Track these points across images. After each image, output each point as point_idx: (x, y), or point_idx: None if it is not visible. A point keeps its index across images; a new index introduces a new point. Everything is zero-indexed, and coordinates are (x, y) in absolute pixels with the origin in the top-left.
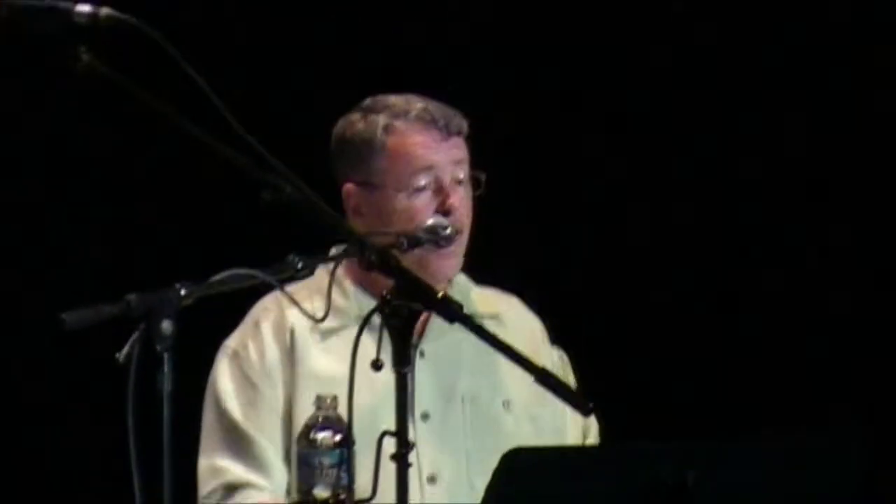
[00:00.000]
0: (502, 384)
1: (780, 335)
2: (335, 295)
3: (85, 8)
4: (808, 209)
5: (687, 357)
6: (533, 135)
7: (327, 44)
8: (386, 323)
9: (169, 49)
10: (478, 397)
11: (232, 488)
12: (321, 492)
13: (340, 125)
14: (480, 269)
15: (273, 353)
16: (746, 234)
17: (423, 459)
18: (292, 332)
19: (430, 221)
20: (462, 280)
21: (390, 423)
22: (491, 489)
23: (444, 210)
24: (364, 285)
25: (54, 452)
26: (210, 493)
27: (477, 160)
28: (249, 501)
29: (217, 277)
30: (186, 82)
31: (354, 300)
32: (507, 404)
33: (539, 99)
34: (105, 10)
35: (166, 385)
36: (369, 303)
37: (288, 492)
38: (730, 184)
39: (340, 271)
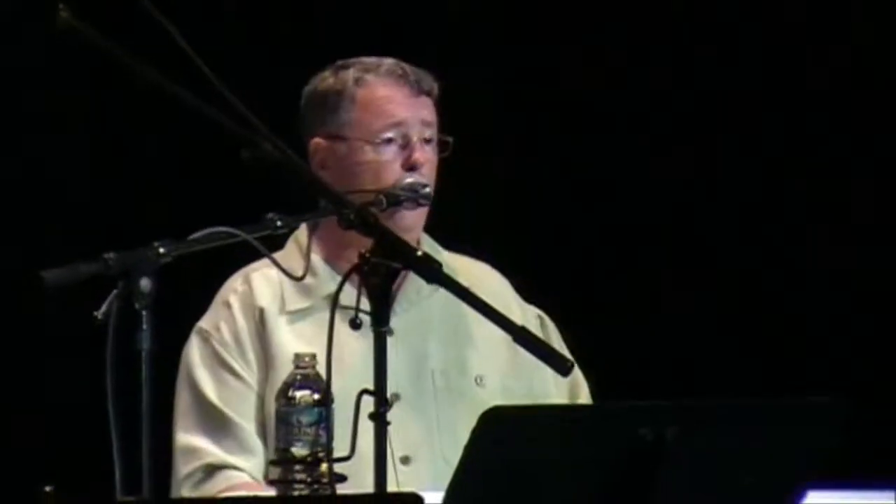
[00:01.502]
0: (475, 359)
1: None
2: (299, 266)
3: None
4: (789, 185)
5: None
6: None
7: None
8: (366, 282)
9: (152, 10)
10: (448, 372)
11: (212, 469)
12: (300, 450)
13: (311, 83)
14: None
15: (244, 332)
16: (726, 202)
17: (395, 441)
18: (261, 312)
19: (408, 179)
20: (429, 242)
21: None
22: (469, 448)
23: (409, 165)
24: (333, 262)
25: (33, 413)
26: (189, 474)
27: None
28: (231, 483)
29: (196, 235)
30: (169, 45)
31: (323, 278)
32: (479, 380)
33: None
34: None
35: (145, 343)
36: (337, 277)
37: (266, 473)
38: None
39: (313, 252)
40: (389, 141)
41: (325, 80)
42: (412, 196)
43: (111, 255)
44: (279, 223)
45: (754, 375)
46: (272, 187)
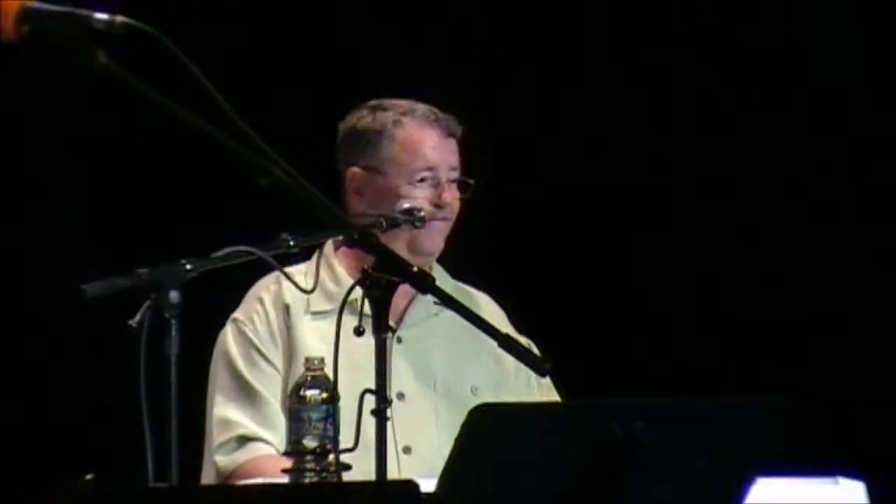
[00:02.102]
0: (470, 371)
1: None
2: (329, 281)
3: (103, 15)
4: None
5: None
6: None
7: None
8: (367, 293)
9: (177, 52)
10: (448, 381)
11: (244, 440)
12: (309, 442)
13: (349, 119)
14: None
15: (274, 324)
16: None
17: (398, 433)
18: (288, 308)
19: (405, 205)
20: (439, 270)
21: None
22: (459, 441)
23: (438, 203)
24: (354, 273)
25: (75, 410)
26: (224, 443)
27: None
28: (259, 454)
29: (218, 254)
30: (189, 80)
31: (345, 287)
32: (474, 389)
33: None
34: (120, 18)
35: (174, 348)
36: (358, 289)
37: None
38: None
39: (335, 260)
40: (423, 180)
41: (364, 118)
42: (409, 219)
43: (144, 270)
44: (291, 242)
45: (716, 374)
46: (286, 209)
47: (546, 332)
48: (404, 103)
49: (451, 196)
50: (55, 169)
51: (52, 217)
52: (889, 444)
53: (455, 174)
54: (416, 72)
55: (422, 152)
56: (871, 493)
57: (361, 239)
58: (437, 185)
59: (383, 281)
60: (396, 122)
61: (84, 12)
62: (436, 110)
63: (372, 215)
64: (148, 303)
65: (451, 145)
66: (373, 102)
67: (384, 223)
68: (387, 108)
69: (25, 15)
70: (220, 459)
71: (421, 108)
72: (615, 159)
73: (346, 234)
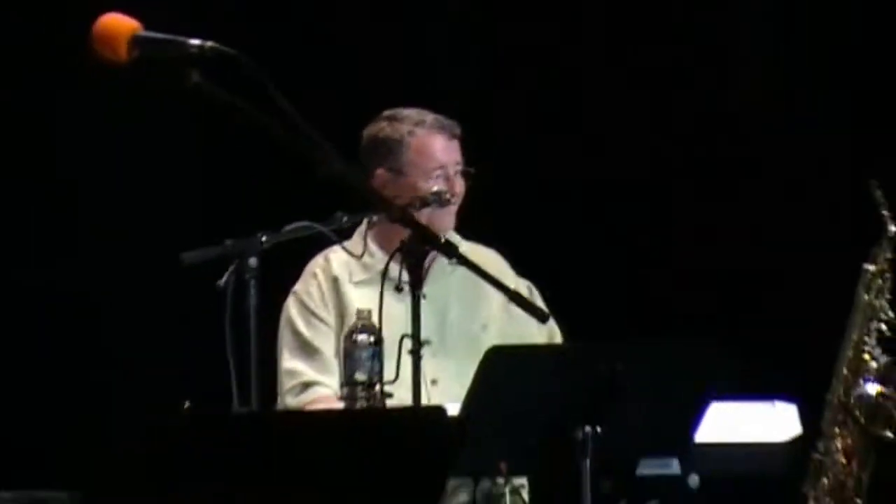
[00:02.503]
0: (480, 313)
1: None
2: (365, 256)
3: (196, 41)
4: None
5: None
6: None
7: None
8: (404, 260)
9: (253, 69)
10: (463, 323)
11: (307, 385)
12: (360, 376)
13: (370, 130)
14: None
15: (326, 291)
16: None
17: (427, 370)
18: (336, 279)
19: (434, 188)
20: (454, 237)
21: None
22: (477, 375)
23: (450, 193)
24: (385, 247)
25: (177, 353)
26: (290, 389)
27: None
28: (319, 395)
29: (287, 228)
30: (261, 90)
31: (378, 259)
32: (484, 327)
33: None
34: (209, 43)
35: (252, 304)
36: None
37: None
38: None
39: (368, 239)
40: (436, 177)
41: (384, 129)
42: (437, 200)
43: (229, 242)
44: (345, 219)
45: (680, 318)
46: (339, 193)
47: (538, 276)
48: (415, 114)
49: (460, 186)
50: (161, 163)
51: (162, 201)
52: (815, 375)
53: (460, 167)
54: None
55: (433, 155)
56: (802, 413)
57: (400, 215)
58: (447, 178)
59: (418, 250)
60: (411, 132)
61: (181, 39)
62: (441, 118)
63: (408, 198)
64: (232, 268)
65: (455, 145)
66: (388, 113)
67: (418, 203)
68: (402, 119)
69: (135, 42)
70: (290, 400)
71: (430, 118)
72: (614, 155)
73: (389, 212)
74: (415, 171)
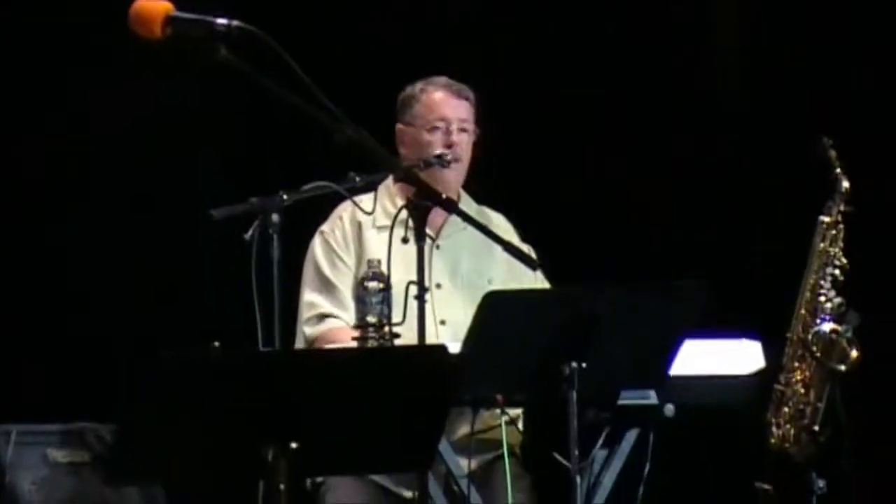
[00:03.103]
0: (487, 267)
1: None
2: (389, 205)
3: (223, 20)
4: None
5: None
6: None
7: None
8: (410, 214)
9: (276, 46)
10: (472, 274)
11: (323, 317)
12: (371, 318)
13: (402, 94)
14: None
15: (349, 235)
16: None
17: (437, 311)
18: (359, 225)
19: (437, 151)
20: (465, 197)
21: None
22: (476, 319)
23: (447, 144)
24: (399, 198)
25: (208, 298)
26: (308, 319)
27: None
28: (333, 326)
29: (306, 187)
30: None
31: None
32: (490, 280)
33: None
34: (235, 22)
35: (275, 255)
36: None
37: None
38: None
39: (394, 189)
40: (436, 128)
41: (407, 89)
42: (438, 161)
43: (254, 199)
44: (357, 179)
45: (653, 262)
46: (353, 157)
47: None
48: (435, 78)
49: (459, 139)
50: (196, 132)
51: (196, 164)
52: (777, 315)
53: (465, 125)
54: (418, 70)
55: (436, 107)
56: (765, 348)
57: (406, 175)
58: (447, 132)
59: (421, 205)
60: (422, 90)
61: (210, 18)
62: (454, 82)
63: (414, 160)
64: (257, 223)
65: (462, 104)
66: (417, 81)
67: (422, 164)
68: (424, 81)
69: (168, 20)
70: (307, 330)
71: (442, 79)
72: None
73: (396, 173)
74: (420, 121)
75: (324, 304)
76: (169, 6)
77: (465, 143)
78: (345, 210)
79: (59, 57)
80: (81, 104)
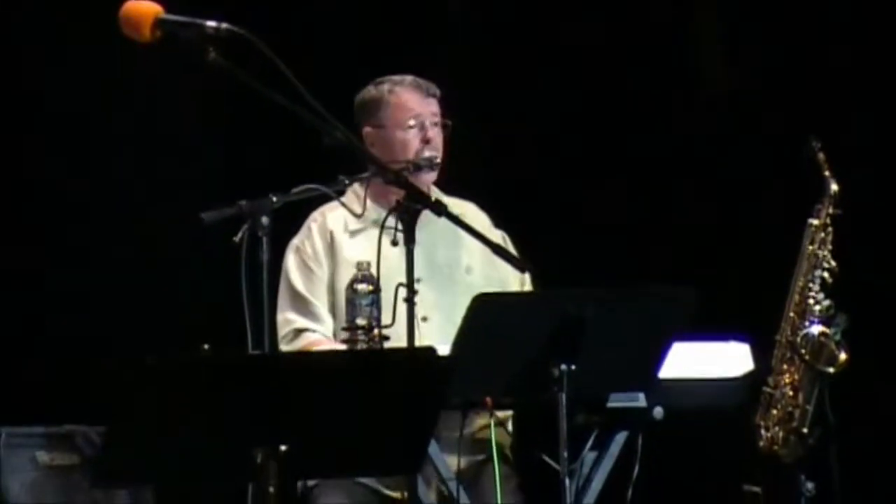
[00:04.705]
0: (464, 257)
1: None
2: (357, 209)
3: (212, 23)
4: None
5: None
6: None
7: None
8: (399, 217)
9: (264, 48)
10: (450, 265)
11: (299, 332)
12: (361, 321)
13: (360, 95)
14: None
15: (320, 247)
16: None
17: (418, 307)
18: (332, 233)
19: (426, 154)
20: (436, 190)
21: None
22: (464, 321)
23: (425, 140)
24: (377, 201)
25: (197, 299)
26: (284, 336)
27: None
28: (310, 340)
29: (295, 190)
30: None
31: (370, 211)
32: (468, 270)
33: None
34: (225, 25)
35: (265, 257)
36: (381, 211)
37: (335, 334)
38: None
39: (363, 193)
40: (412, 127)
41: (370, 91)
42: (427, 164)
43: (243, 202)
44: (346, 181)
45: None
46: (342, 158)
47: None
48: (397, 77)
49: (434, 133)
50: (185, 137)
51: (186, 168)
52: (766, 318)
53: (437, 119)
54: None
55: (408, 107)
56: (754, 351)
57: (396, 179)
58: (422, 128)
59: (411, 208)
60: (391, 91)
61: (199, 21)
62: (419, 79)
63: (403, 162)
64: (246, 226)
65: (431, 101)
66: (376, 80)
67: (411, 168)
68: (384, 81)
69: (158, 23)
70: (283, 347)
71: (409, 78)
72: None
73: (385, 175)
74: (393, 122)
75: (298, 320)
76: (158, 9)
77: (440, 139)
78: (314, 221)
79: (57, 59)
80: (77, 103)
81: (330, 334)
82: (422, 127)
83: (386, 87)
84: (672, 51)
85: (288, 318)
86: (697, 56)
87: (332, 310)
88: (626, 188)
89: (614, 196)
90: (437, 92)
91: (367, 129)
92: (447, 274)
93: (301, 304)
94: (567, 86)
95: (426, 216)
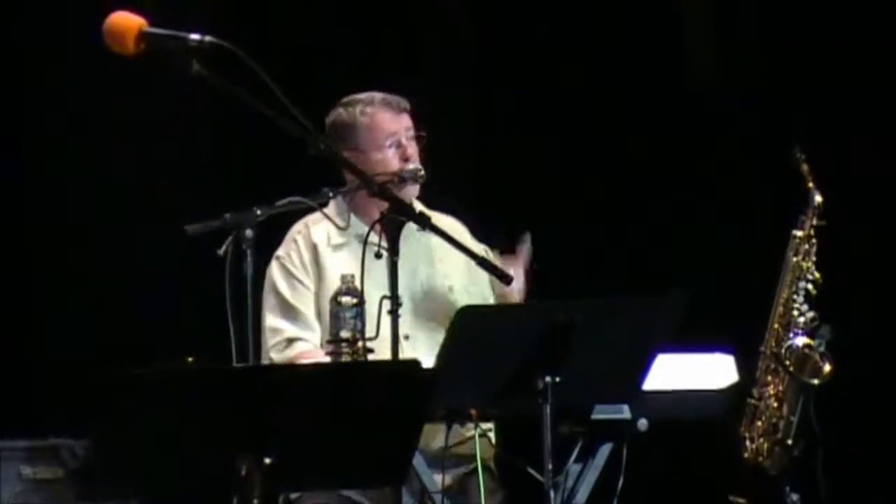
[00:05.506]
0: (447, 273)
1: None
2: (341, 222)
3: (196, 36)
4: None
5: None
6: None
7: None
8: (384, 229)
9: (248, 61)
10: (433, 282)
11: (290, 341)
12: (345, 333)
13: (331, 116)
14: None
15: (305, 257)
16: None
17: (400, 325)
18: (315, 246)
19: (410, 167)
20: (419, 205)
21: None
22: (449, 333)
23: (404, 157)
24: (359, 215)
25: (183, 312)
26: (274, 345)
27: None
28: (303, 349)
29: (279, 202)
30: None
31: (354, 225)
32: (451, 288)
33: None
34: (208, 38)
35: (249, 270)
36: (363, 226)
37: (322, 343)
38: None
39: (345, 207)
40: (389, 145)
41: (340, 115)
42: (413, 177)
43: (228, 215)
44: (331, 194)
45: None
46: (326, 170)
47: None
48: (365, 97)
49: (412, 149)
50: (170, 148)
51: (171, 182)
52: (750, 329)
53: (411, 133)
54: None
55: (383, 127)
56: (738, 362)
57: (381, 192)
58: (399, 145)
59: (396, 221)
60: (362, 112)
61: (183, 34)
62: (388, 96)
63: (388, 175)
64: (230, 238)
65: (404, 116)
66: (343, 101)
67: (396, 180)
68: (354, 103)
69: (142, 36)
70: (275, 356)
71: (378, 97)
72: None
73: (370, 188)
74: (370, 145)
75: (289, 329)
76: (142, 21)
77: (416, 151)
78: (298, 233)
79: (57, 62)
80: (72, 115)
81: (319, 343)
82: (399, 145)
83: (357, 109)
84: (663, 49)
85: (277, 327)
86: (688, 55)
87: (318, 319)
88: (610, 198)
89: (599, 205)
90: (408, 105)
91: (345, 153)
92: (428, 292)
93: (290, 313)
94: (561, 85)
95: (407, 232)
